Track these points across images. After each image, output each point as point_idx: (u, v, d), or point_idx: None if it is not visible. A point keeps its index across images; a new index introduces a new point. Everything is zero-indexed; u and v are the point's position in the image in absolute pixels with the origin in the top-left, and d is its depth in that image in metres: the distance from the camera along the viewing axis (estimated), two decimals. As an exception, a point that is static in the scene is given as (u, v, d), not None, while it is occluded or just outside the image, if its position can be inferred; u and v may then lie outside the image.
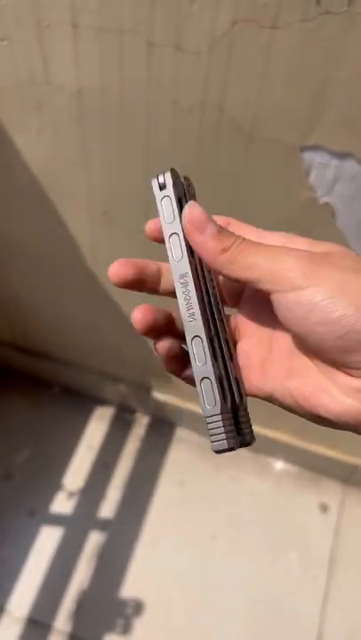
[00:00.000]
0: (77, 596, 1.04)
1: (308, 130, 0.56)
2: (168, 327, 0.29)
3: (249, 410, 0.29)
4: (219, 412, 0.26)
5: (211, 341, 0.27)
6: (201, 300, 0.27)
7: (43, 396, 1.29)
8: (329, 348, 0.24)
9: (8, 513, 1.12)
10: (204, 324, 0.27)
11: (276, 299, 0.25)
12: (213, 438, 0.26)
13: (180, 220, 0.28)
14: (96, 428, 1.24)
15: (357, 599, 1.06)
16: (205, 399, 0.27)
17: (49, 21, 0.56)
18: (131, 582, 1.05)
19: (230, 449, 0.26)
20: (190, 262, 0.28)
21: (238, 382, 0.28)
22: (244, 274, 0.25)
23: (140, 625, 1.01)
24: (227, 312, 0.31)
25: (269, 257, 0.25)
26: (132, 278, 0.29)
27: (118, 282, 0.29)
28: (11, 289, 1.04)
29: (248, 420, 0.28)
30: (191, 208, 0.27)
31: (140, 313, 0.29)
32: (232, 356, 0.29)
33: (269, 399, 0.28)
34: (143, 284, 0.30)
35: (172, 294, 0.29)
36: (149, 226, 0.31)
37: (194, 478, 1.18)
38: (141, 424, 1.26)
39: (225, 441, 0.26)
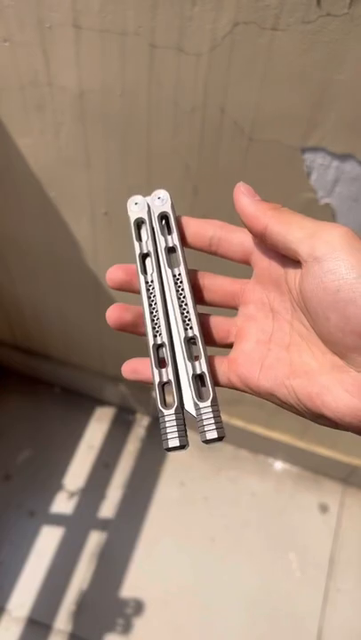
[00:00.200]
0: (77, 596, 1.04)
1: (308, 131, 0.56)
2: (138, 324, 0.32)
3: (251, 410, 0.30)
4: (161, 414, 0.29)
5: (157, 349, 0.30)
6: (149, 313, 0.30)
7: (43, 397, 1.29)
8: (348, 331, 0.23)
9: (8, 513, 1.12)
10: (149, 334, 0.30)
11: (311, 266, 0.25)
12: (162, 437, 0.29)
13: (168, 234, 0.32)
14: (96, 428, 1.25)
15: (357, 599, 1.06)
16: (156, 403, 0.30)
17: (51, 23, 0.57)
18: (131, 582, 1.06)
19: (169, 449, 0.29)
20: (142, 279, 0.31)
21: (204, 380, 0.30)
22: (289, 232, 0.26)
23: (140, 625, 1.01)
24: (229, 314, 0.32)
25: (315, 224, 0.26)
26: (127, 280, 0.32)
27: (114, 285, 0.32)
28: (11, 289, 1.04)
29: (213, 417, 0.29)
30: (242, 184, 0.29)
31: (113, 312, 0.31)
32: (198, 357, 0.30)
33: (270, 398, 0.28)
34: (135, 286, 0.32)
35: None
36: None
37: (194, 479, 1.18)
38: (141, 424, 1.26)
39: (166, 441, 0.29)
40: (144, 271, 0.31)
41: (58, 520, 1.12)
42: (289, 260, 0.28)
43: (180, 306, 0.31)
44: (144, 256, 0.32)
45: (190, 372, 0.30)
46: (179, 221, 0.32)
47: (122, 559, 1.08)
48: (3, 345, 1.23)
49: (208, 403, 0.29)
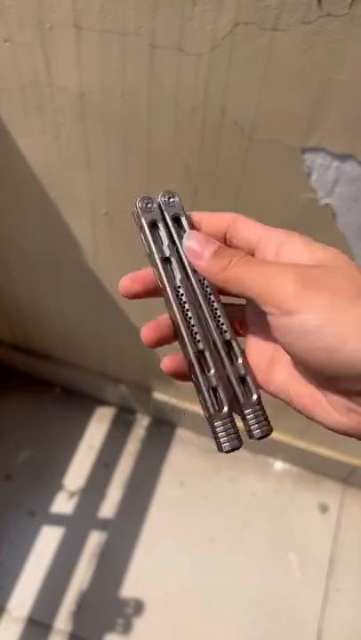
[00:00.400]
0: (77, 596, 1.04)
1: (308, 131, 0.56)
2: None
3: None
4: (213, 419, 0.29)
5: (198, 356, 0.29)
6: (184, 320, 0.30)
7: (44, 397, 1.29)
8: (318, 373, 0.24)
9: (8, 513, 1.12)
10: (189, 342, 0.29)
11: (271, 319, 0.25)
12: (215, 442, 0.29)
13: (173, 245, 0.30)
14: (96, 428, 1.25)
15: (357, 599, 1.06)
16: (204, 408, 0.29)
17: (52, 23, 0.57)
18: (131, 582, 1.06)
19: (227, 451, 0.28)
20: (170, 286, 0.30)
21: (245, 380, 0.30)
22: (242, 291, 0.26)
23: (140, 625, 1.01)
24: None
25: (266, 276, 0.25)
26: (141, 290, 0.31)
27: (129, 297, 0.31)
28: (12, 289, 1.05)
29: (260, 414, 0.29)
30: (189, 238, 0.29)
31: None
32: (236, 358, 0.30)
33: (275, 397, 0.29)
34: (150, 293, 0.31)
35: None
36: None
37: (194, 479, 1.18)
38: (142, 425, 1.26)
39: (221, 445, 0.28)
40: (170, 277, 0.30)
41: (58, 520, 1.12)
42: None
43: (212, 309, 0.30)
44: (165, 259, 0.30)
45: (233, 374, 0.30)
46: (191, 220, 0.31)
47: (122, 559, 1.08)
48: (3, 345, 1.23)
49: (255, 401, 0.29)
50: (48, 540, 1.09)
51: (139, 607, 1.03)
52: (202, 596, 1.05)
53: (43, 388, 1.30)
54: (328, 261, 0.26)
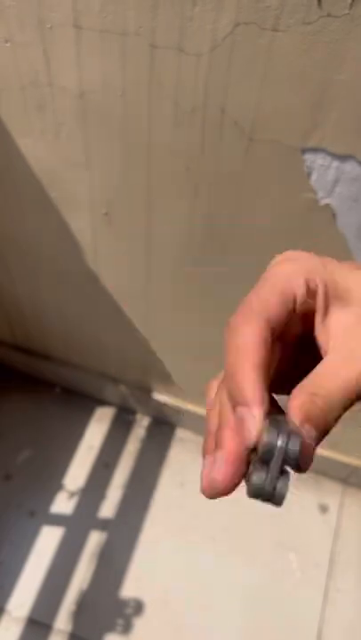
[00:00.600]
0: (77, 596, 1.04)
1: (308, 131, 0.56)
2: None
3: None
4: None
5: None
6: None
7: (44, 397, 1.29)
8: None
9: (8, 513, 1.12)
10: None
11: None
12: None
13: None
14: (96, 428, 1.25)
15: (357, 599, 1.06)
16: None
17: (52, 23, 0.57)
18: (131, 582, 1.06)
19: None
20: None
21: None
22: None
23: (140, 625, 1.01)
24: None
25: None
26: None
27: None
28: (11, 289, 1.05)
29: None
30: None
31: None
32: None
33: None
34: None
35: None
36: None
37: (194, 479, 1.18)
38: (142, 425, 1.26)
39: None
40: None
41: (58, 520, 1.12)
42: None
43: None
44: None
45: None
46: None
47: (122, 559, 1.08)
48: (3, 345, 1.23)
49: None
50: (48, 540, 1.09)
51: (139, 607, 1.03)
52: (202, 596, 1.05)
53: (43, 388, 1.30)
54: None
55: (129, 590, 1.05)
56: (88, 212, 0.78)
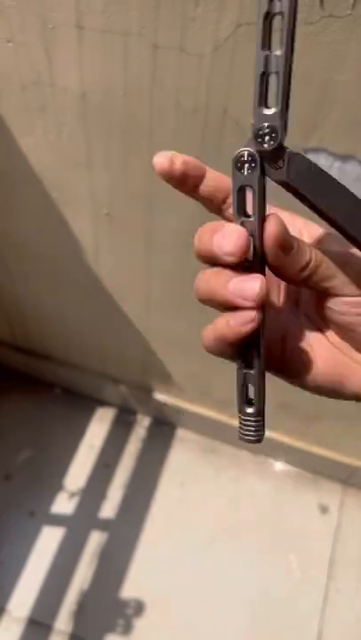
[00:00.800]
0: (78, 597, 1.04)
1: (310, 132, 0.56)
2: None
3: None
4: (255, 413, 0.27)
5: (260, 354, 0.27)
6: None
7: (44, 397, 1.29)
8: None
9: (8, 513, 1.12)
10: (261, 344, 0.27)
11: (345, 300, 0.26)
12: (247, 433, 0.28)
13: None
14: (97, 428, 1.25)
15: (357, 600, 1.06)
16: (243, 401, 0.28)
17: (54, 23, 0.57)
18: (131, 582, 1.06)
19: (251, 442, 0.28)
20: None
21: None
22: (325, 285, 0.27)
23: (140, 625, 1.01)
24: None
25: (341, 266, 0.26)
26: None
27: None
28: (11, 289, 1.05)
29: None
30: (274, 226, 0.25)
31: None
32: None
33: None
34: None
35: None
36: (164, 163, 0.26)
37: (194, 479, 1.18)
38: (142, 425, 1.26)
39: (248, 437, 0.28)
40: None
41: (58, 520, 1.12)
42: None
43: None
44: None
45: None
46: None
47: (122, 559, 1.08)
48: (3, 345, 1.23)
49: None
50: (48, 540, 1.09)
51: (139, 607, 1.03)
52: (202, 597, 1.05)
53: (43, 388, 1.30)
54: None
55: (129, 590, 1.05)
56: (89, 212, 0.78)
